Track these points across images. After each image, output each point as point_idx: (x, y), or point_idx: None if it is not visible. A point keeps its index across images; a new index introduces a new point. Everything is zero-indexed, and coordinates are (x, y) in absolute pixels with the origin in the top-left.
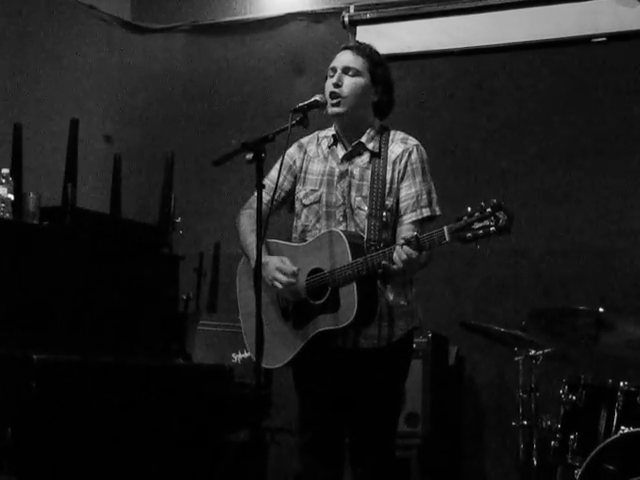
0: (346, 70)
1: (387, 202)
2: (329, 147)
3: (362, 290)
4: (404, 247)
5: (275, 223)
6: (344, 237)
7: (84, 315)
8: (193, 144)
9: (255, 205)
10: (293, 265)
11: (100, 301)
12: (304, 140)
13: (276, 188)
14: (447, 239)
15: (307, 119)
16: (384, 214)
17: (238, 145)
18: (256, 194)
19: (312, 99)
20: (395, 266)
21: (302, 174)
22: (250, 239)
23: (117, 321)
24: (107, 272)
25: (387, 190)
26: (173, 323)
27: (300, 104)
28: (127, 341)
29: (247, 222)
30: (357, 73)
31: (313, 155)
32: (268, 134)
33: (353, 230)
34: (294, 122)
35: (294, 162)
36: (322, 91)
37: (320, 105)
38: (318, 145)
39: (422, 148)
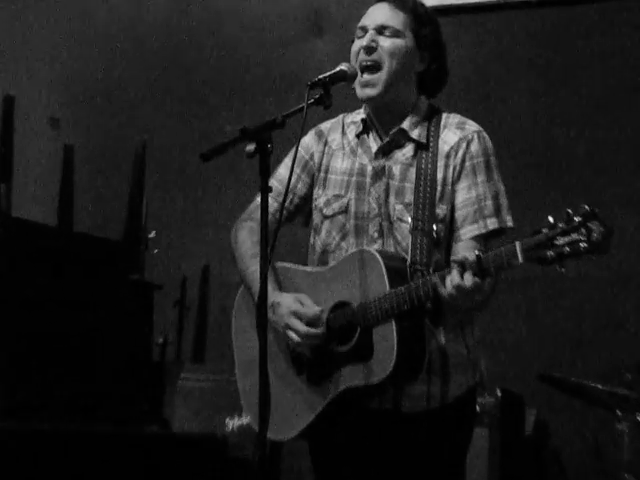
0: (381, 29)
1: (438, 211)
2: (358, 136)
3: (404, 332)
4: (460, 271)
5: (285, 239)
6: (380, 259)
7: (19, 364)
8: (173, 131)
9: (258, 215)
10: (314, 304)
11: (42, 345)
12: (324, 126)
13: (287, 192)
14: (520, 260)
15: (329, 96)
16: (434, 227)
17: (235, 133)
18: (259, 200)
19: (337, 69)
20: (448, 298)
21: (322, 174)
22: (252, 265)
23: (66, 374)
24: (52, 305)
25: (438, 194)
26: (145, 376)
27: (320, 76)
28: (81, 401)
29: (248, 240)
30: (396, 33)
31: (337, 147)
32: (276, 117)
33: (392, 250)
34: (312, 100)
35: (311, 156)
36: (348, 58)
37: (348, 77)
38: (343, 134)
39: (486, 135)
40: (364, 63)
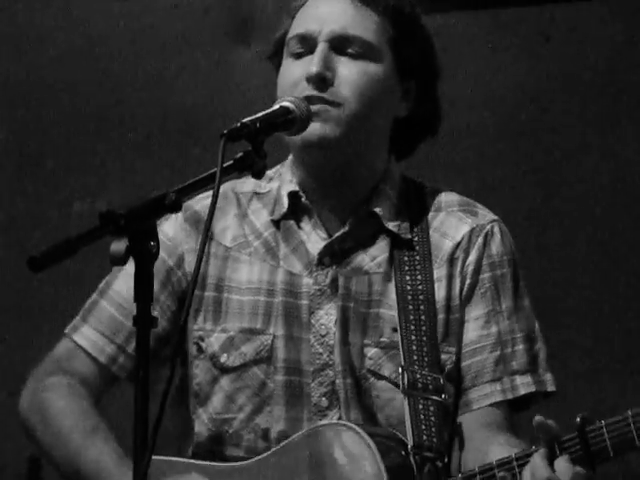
0: (341, 43)
1: (444, 357)
2: (276, 223)
3: None
4: (547, 455)
5: None
6: (372, 444)
7: None
8: None
9: (73, 364)
10: None
11: None
12: (201, 206)
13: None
14: None
15: (263, 155)
16: (441, 383)
17: (91, 215)
18: (71, 342)
19: (276, 106)
20: None
21: (209, 292)
22: (91, 446)
23: None
24: None
25: (441, 327)
26: None
27: (245, 119)
28: None
29: (69, 407)
30: (368, 52)
31: (236, 245)
32: (166, 193)
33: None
34: (230, 163)
35: (178, 261)
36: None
37: (297, 122)
38: (242, 219)
39: (507, 230)
40: (316, 101)
